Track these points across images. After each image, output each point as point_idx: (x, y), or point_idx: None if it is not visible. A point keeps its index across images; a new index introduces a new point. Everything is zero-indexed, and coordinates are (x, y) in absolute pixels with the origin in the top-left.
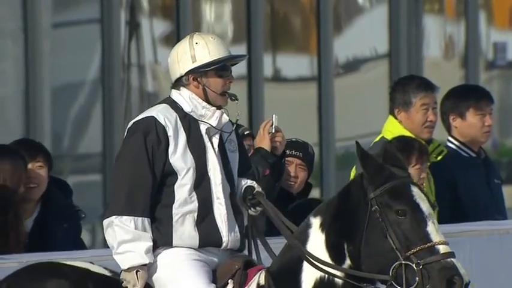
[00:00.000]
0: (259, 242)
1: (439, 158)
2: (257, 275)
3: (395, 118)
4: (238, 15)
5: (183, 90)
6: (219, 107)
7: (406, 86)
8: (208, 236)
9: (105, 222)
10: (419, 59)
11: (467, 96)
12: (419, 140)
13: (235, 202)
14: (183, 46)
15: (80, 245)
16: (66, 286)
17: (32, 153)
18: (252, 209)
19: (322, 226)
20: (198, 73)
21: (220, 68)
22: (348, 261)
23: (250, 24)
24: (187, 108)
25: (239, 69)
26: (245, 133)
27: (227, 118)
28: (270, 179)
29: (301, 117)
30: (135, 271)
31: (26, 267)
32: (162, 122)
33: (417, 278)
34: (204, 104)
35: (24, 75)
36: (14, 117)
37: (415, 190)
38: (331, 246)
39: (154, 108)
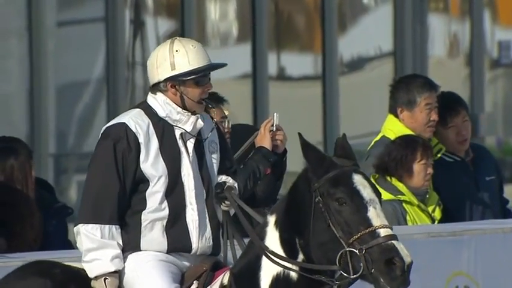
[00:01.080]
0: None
1: (439, 155)
2: (221, 276)
3: (396, 117)
4: (242, 13)
5: (159, 95)
6: (194, 113)
7: (410, 85)
8: (177, 242)
9: (75, 230)
10: (424, 57)
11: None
12: (422, 137)
13: (212, 207)
14: (162, 51)
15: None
16: (48, 286)
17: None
18: (223, 203)
19: (276, 223)
20: (176, 81)
21: (199, 76)
22: (301, 256)
23: (255, 23)
24: (161, 113)
25: (244, 67)
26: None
27: (202, 123)
28: (271, 178)
29: (305, 115)
30: (103, 279)
31: (23, 265)
32: (133, 129)
33: (361, 264)
34: (179, 109)
35: (28, 74)
36: (18, 115)
37: (356, 178)
38: (284, 242)
39: (128, 113)
